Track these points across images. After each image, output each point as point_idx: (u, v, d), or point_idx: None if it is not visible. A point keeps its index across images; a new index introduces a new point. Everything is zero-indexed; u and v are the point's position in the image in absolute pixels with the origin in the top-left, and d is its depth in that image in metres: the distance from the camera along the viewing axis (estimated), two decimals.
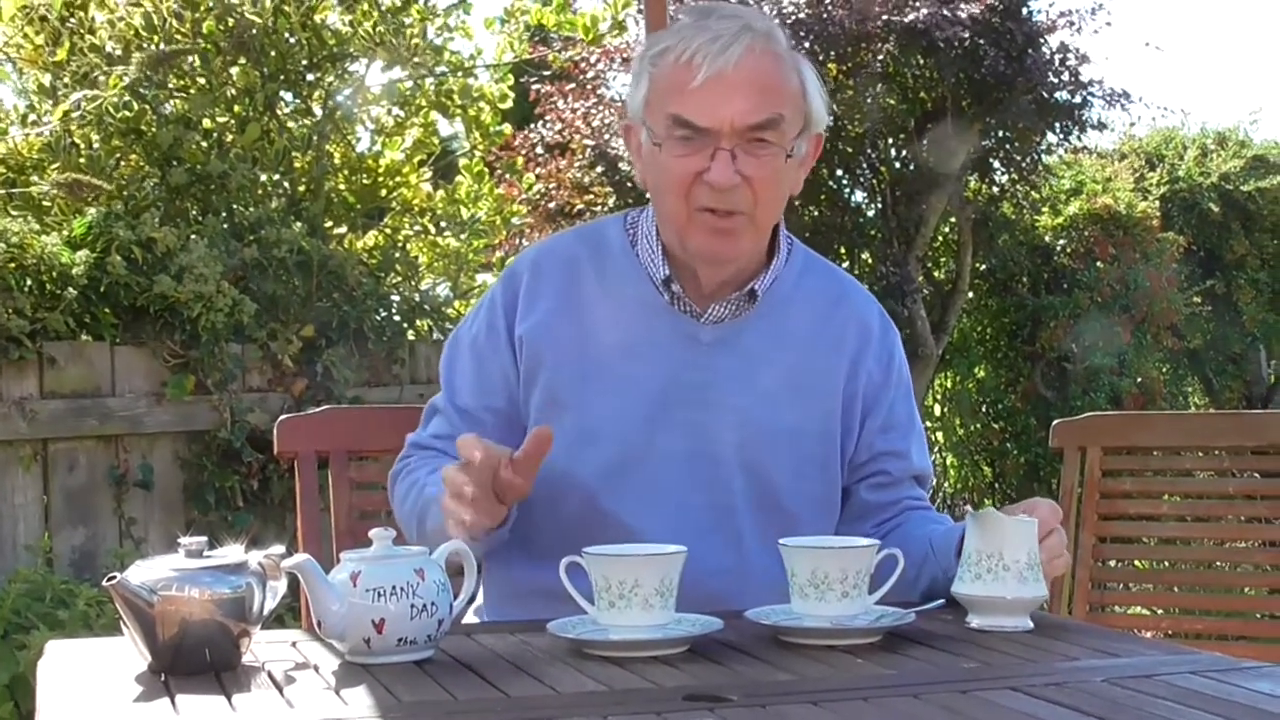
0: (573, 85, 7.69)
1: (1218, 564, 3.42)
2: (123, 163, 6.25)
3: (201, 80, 6.39)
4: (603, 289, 2.32)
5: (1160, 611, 3.30)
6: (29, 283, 5.27)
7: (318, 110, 6.75)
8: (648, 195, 2.33)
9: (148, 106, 6.17)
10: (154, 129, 6.07)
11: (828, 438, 2.32)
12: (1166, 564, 3.51)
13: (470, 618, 2.36)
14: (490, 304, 2.37)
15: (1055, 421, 3.13)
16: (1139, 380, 8.66)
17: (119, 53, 6.29)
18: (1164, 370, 9.48)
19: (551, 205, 7.50)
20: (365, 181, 6.95)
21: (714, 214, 2.19)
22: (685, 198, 2.19)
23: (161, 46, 6.18)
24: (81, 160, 6.12)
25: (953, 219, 8.27)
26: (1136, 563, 3.34)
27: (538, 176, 7.60)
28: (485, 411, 2.33)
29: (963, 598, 1.99)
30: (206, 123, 6.33)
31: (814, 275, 2.39)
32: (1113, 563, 3.18)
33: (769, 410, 2.27)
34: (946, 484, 8.99)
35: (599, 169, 7.46)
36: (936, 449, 9.19)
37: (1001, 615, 1.96)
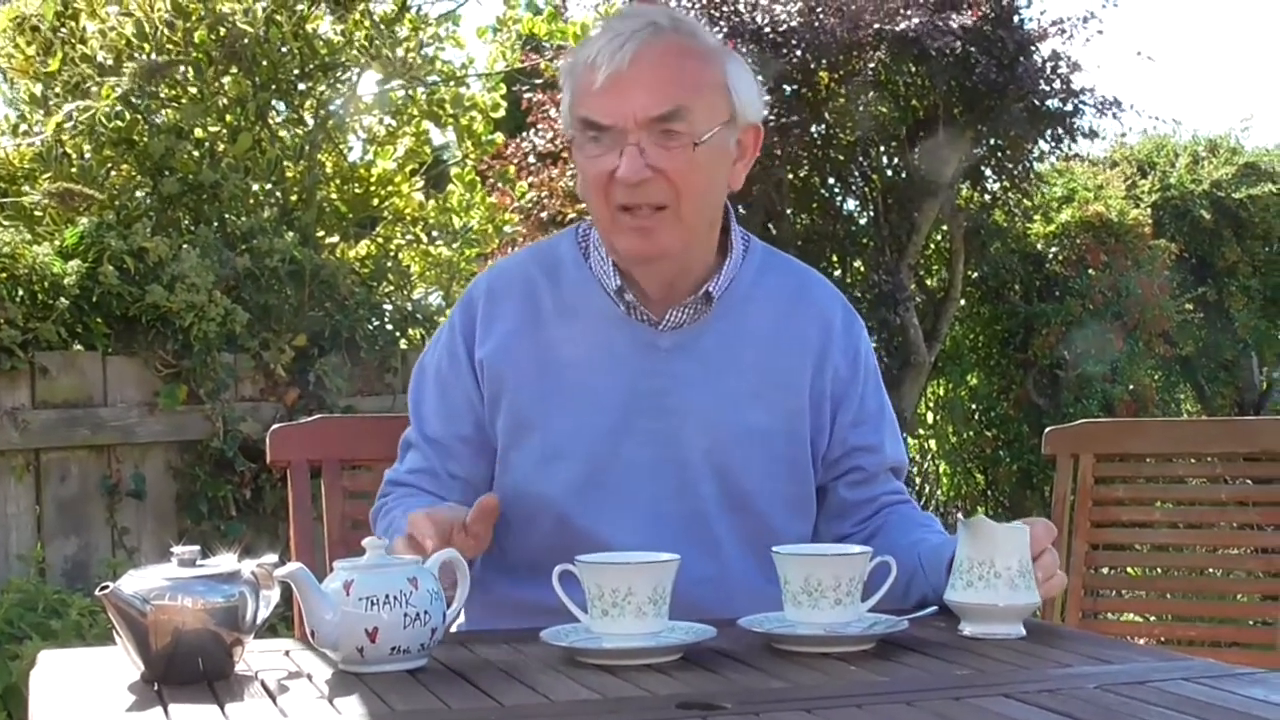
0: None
1: (1210, 571, 3.42)
2: (114, 172, 6.25)
3: (193, 90, 6.39)
4: (559, 305, 2.31)
5: (1153, 618, 3.31)
6: (20, 293, 5.27)
7: (309, 120, 6.75)
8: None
9: (139, 116, 6.16)
10: (146, 139, 6.07)
11: (796, 437, 2.30)
12: (1159, 571, 3.51)
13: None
14: (450, 331, 2.37)
15: (1048, 429, 3.13)
16: (1131, 387, 8.66)
17: (110, 62, 6.29)
18: (1156, 377, 9.48)
19: (544, 214, 7.50)
20: (357, 191, 6.96)
21: (632, 213, 2.18)
22: (605, 199, 2.19)
23: (153, 56, 6.18)
24: (73, 170, 6.12)
25: (945, 227, 8.28)
26: (1129, 569, 3.34)
27: (530, 185, 7.60)
28: (455, 440, 2.34)
29: (955, 605, 2.00)
30: (198, 132, 6.33)
31: (773, 273, 2.38)
32: (1105, 570, 3.18)
33: (734, 413, 2.26)
34: (939, 492, 9.00)
35: None
36: (929, 456, 9.20)
37: (994, 623, 1.97)
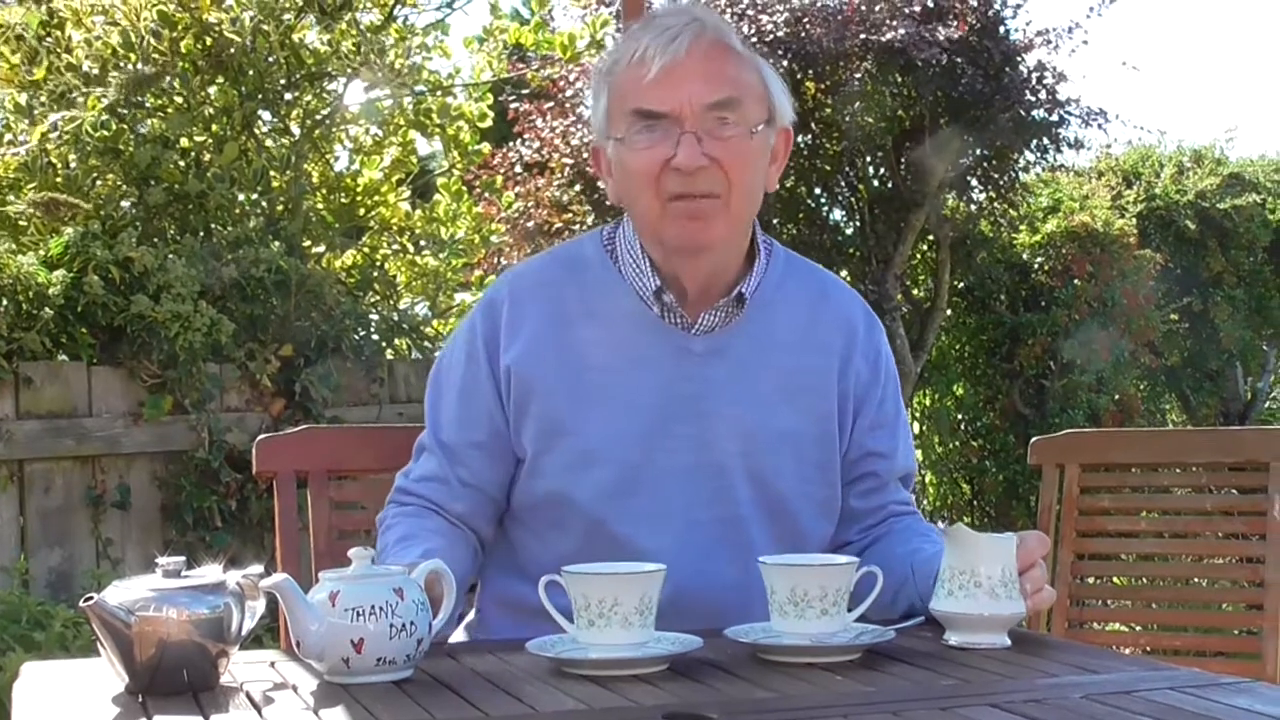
0: (551, 104, 7.69)
1: (1196, 580, 3.42)
2: (100, 182, 6.25)
3: (179, 99, 6.39)
4: (586, 309, 2.29)
5: (1139, 628, 3.31)
6: (5, 303, 5.26)
7: (296, 129, 6.74)
8: (623, 208, 2.33)
9: (125, 126, 6.16)
10: (132, 148, 6.06)
11: (826, 439, 2.31)
12: (1145, 581, 3.52)
13: (460, 635, 2.35)
14: (470, 336, 2.34)
15: (1034, 439, 3.13)
16: (1117, 397, 8.68)
17: (96, 72, 6.28)
18: (1142, 387, 9.51)
19: (530, 224, 7.50)
20: (344, 200, 6.96)
21: (685, 200, 2.19)
22: (656, 189, 2.19)
23: (139, 66, 6.18)
24: (59, 179, 6.11)
25: (931, 237, 8.30)
26: (1115, 579, 3.35)
27: (517, 195, 7.60)
28: (469, 446, 2.31)
29: (939, 614, 2.00)
30: (184, 142, 6.33)
31: (795, 276, 2.38)
32: (1091, 579, 3.18)
33: (767, 416, 2.26)
34: (925, 501, 9.01)
35: (578, 187, 7.47)
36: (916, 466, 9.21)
37: (977, 632, 1.97)
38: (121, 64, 6.24)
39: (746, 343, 2.29)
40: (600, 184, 7.12)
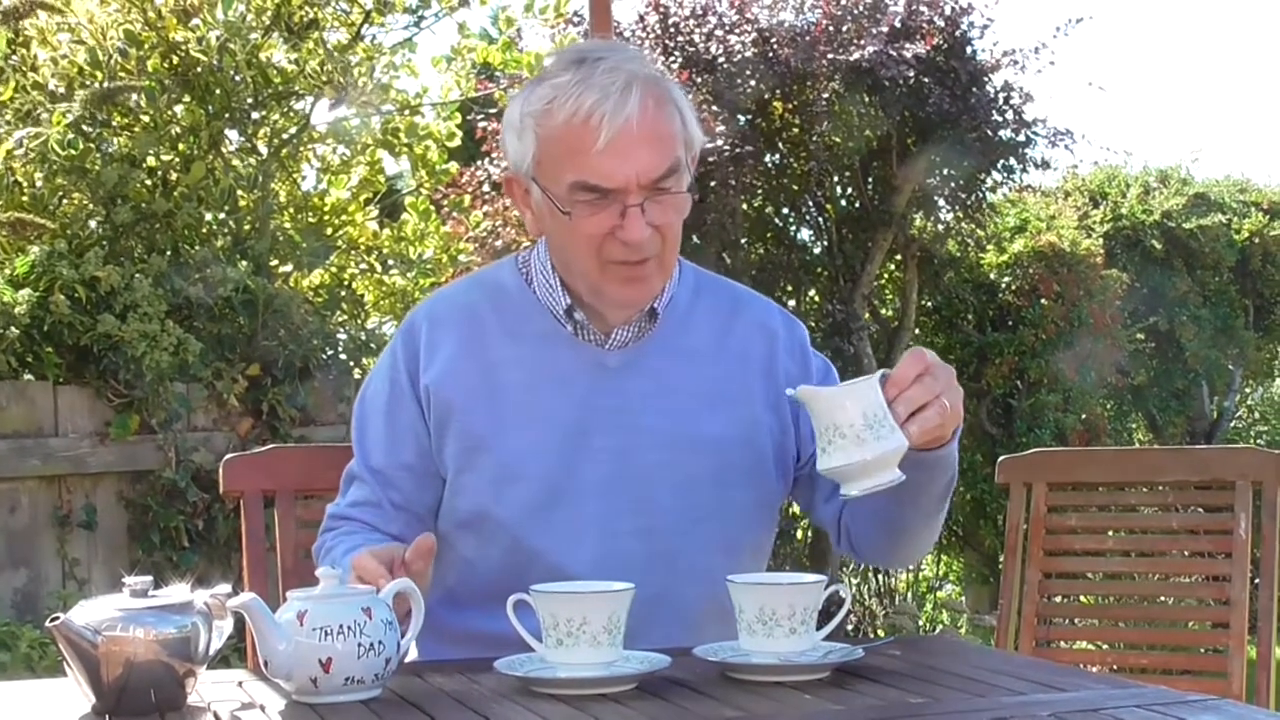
0: None
1: (1162, 599, 3.44)
2: (66, 201, 6.22)
3: (146, 118, 6.36)
4: (504, 328, 2.32)
5: (1106, 646, 3.33)
6: None
7: (263, 148, 6.73)
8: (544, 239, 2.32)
9: (92, 145, 6.13)
10: (98, 167, 6.03)
11: (754, 445, 2.32)
12: (1112, 599, 3.53)
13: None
14: (392, 361, 2.37)
15: (1001, 458, 3.15)
16: (1084, 416, 8.71)
17: (62, 90, 6.26)
18: (1108, 407, 9.54)
19: (499, 243, 7.50)
20: (311, 220, 6.94)
21: (627, 266, 2.19)
22: (597, 254, 2.19)
23: (106, 84, 6.16)
24: (24, 198, 6.08)
25: (898, 256, 8.32)
26: (1082, 598, 3.36)
27: (484, 214, 7.60)
28: (398, 468, 2.33)
29: (824, 475, 2.00)
30: (151, 161, 6.30)
31: (706, 291, 2.40)
32: (1058, 598, 3.19)
33: (688, 424, 2.28)
34: None
35: None
36: None
37: (860, 479, 1.96)
38: (88, 82, 6.21)
39: (662, 355, 2.31)
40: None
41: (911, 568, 9.37)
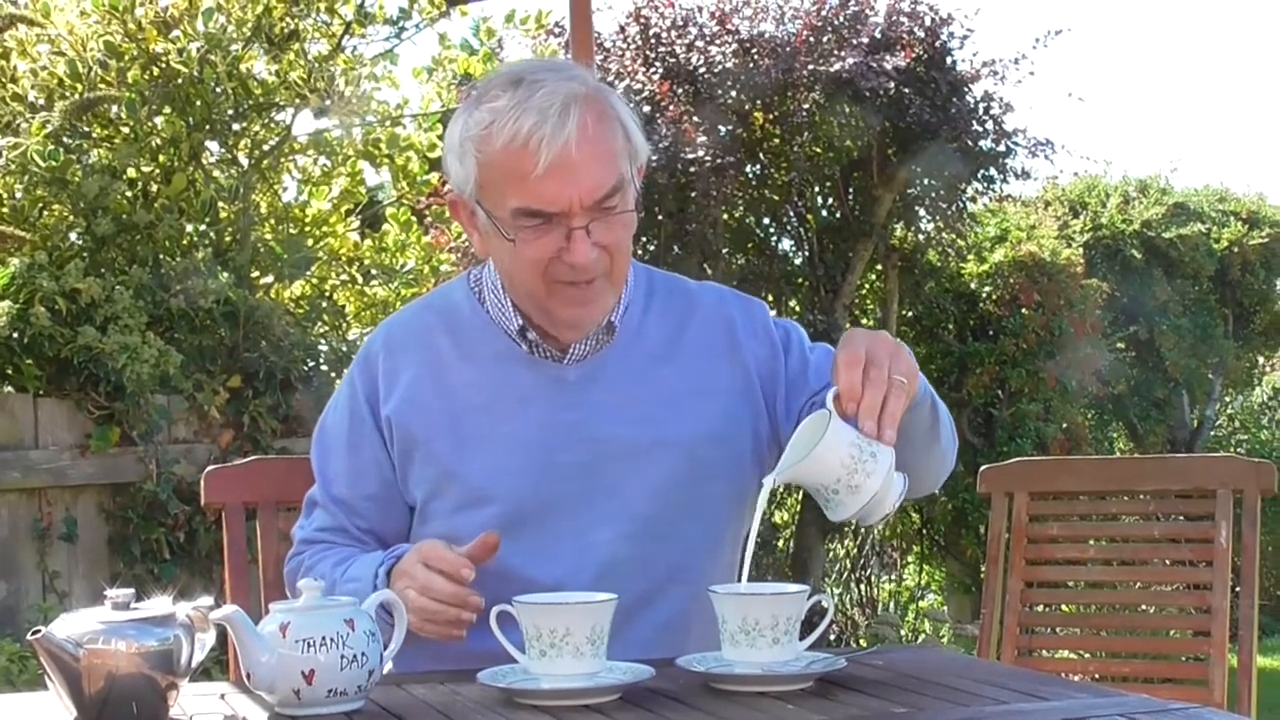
0: None
1: (1144, 608, 3.44)
2: (46, 213, 6.20)
3: (126, 130, 6.35)
4: (460, 352, 2.31)
5: (1087, 655, 3.32)
6: None
7: (244, 160, 6.72)
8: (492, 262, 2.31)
9: (72, 156, 6.12)
10: (79, 178, 6.02)
11: (727, 438, 2.31)
12: (1093, 608, 3.53)
13: None
14: (351, 392, 2.35)
15: (982, 467, 3.15)
16: (1064, 426, 8.73)
17: (42, 101, 6.25)
18: (1089, 416, 9.57)
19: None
20: (292, 231, 6.93)
21: (574, 287, 2.18)
22: (544, 276, 2.17)
23: (86, 95, 6.15)
24: (4, 210, 6.07)
25: (879, 266, 8.34)
26: (1064, 607, 3.36)
27: None
28: (362, 500, 2.33)
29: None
30: (131, 172, 6.29)
31: (661, 294, 2.38)
32: (1040, 607, 3.20)
33: (653, 429, 2.27)
34: (876, 532, 9.03)
35: None
36: None
37: (875, 512, 1.95)
38: (68, 94, 6.20)
39: (620, 364, 2.30)
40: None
41: (893, 578, 9.38)
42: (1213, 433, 11.28)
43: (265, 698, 1.81)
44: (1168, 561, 3.20)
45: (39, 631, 1.72)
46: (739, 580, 2.03)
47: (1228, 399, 11.97)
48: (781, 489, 2.05)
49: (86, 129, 6.35)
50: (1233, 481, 2.92)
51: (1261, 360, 12.48)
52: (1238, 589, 2.90)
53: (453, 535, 2.20)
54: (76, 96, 6.16)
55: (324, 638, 1.77)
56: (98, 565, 5.49)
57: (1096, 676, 3.17)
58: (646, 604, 2.22)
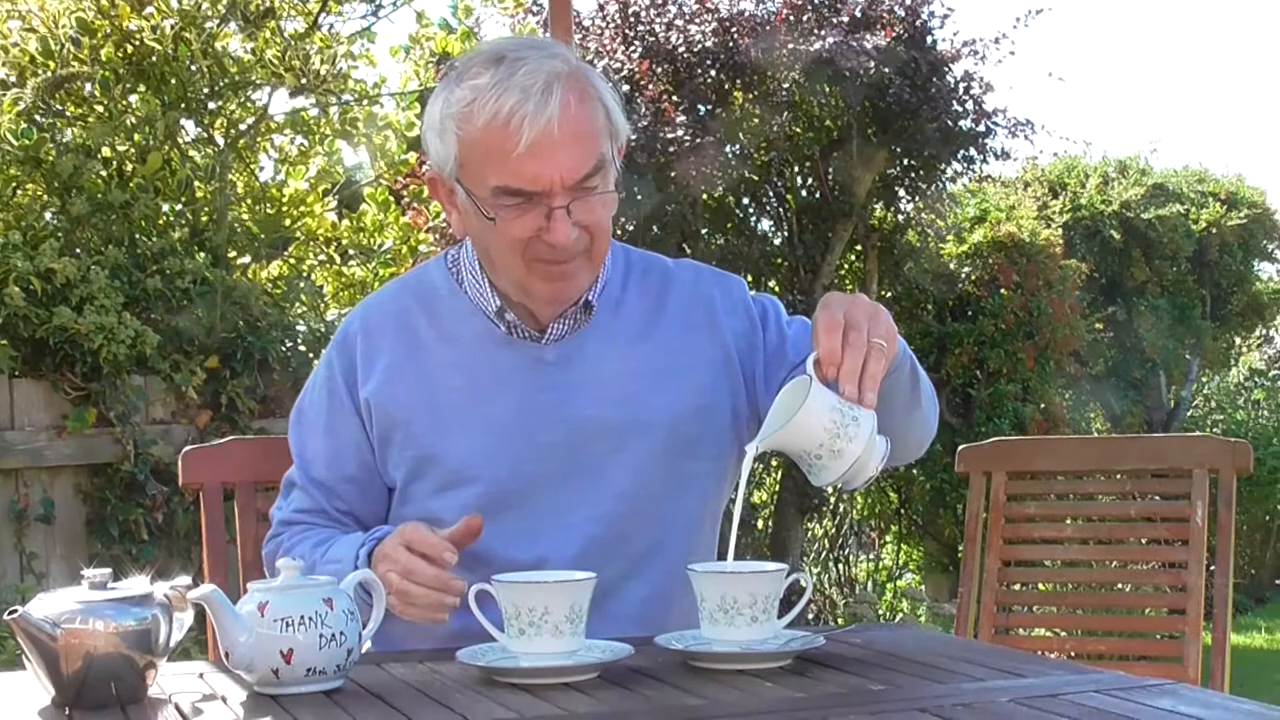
0: None
1: (1120, 586, 3.46)
2: (20, 192, 6.17)
3: (101, 108, 6.32)
4: (438, 333, 2.31)
5: (1064, 633, 3.35)
6: None
7: (220, 139, 6.69)
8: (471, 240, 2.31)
9: (46, 135, 6.09)
10: (53, 158, 5.99)
11: (707, 414, 2.31)
12: (1070, 587, 3.55)
13: None
14: (329, 374, 2.35)
15: (961, 447, 3.16)
16: (1042, 406, 8.75)
17: (14, 79, 6.22)
18: (1067, 396, 9.59)
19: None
20: (269, 211, 6.90)
21: (554, 265, 2.18)
22: (524, 254, 2.18)
23: (58, 72, 6.11)
24: None
25: (858, 247, 8.34)
26: (1041, 586, 3.37)
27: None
28: (341, 482, 2.34)
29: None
30: (106, 151, 6.26)
31: (638, 272, 2.39)
32: (1017, 586, 3.21)
33: (632, 407, 2.27)
34: (854, 511, 9.05)
35: None
36: None
37: (859, 475, 1.95)
38: (40, 71, 6.17)
39: (598, 343, 2.30)
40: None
41: (871, 558, 9.41)
42: (1189, 413, 11.33)
43: (244, 677, 1.81)
44: (1144, 541, 3.22)
45: (16, 612, 1.71)
46: (725, 557, 2.03)
47: (1204, 379, 12.03)
48: (760, 470, 2.04)
49: (60, 107, 6.31)
50: (1209, 461, 2.94)
51: (1238, 341, 12.55)
52: (1212, 568, 2.91)
53: (432, 516, 2.20)
54: (49, 74, 6.12)
55: (302, 617, 1.77)
56: (75, 546, 5.48)
57: (1072, 654, 3.18)
58: (627, 581, 2.22)
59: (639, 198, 6.63)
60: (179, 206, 6.41)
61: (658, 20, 7.17)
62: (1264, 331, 12.79)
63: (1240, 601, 9.78)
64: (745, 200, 8.02)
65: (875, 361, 1.93)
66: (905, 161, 7.81)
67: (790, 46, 7.01)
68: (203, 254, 5.99)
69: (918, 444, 2.34)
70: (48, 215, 6.07)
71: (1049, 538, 3.20)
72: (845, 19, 7.16)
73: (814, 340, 1.94)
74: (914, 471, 8.78)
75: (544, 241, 2.15)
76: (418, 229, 7.42)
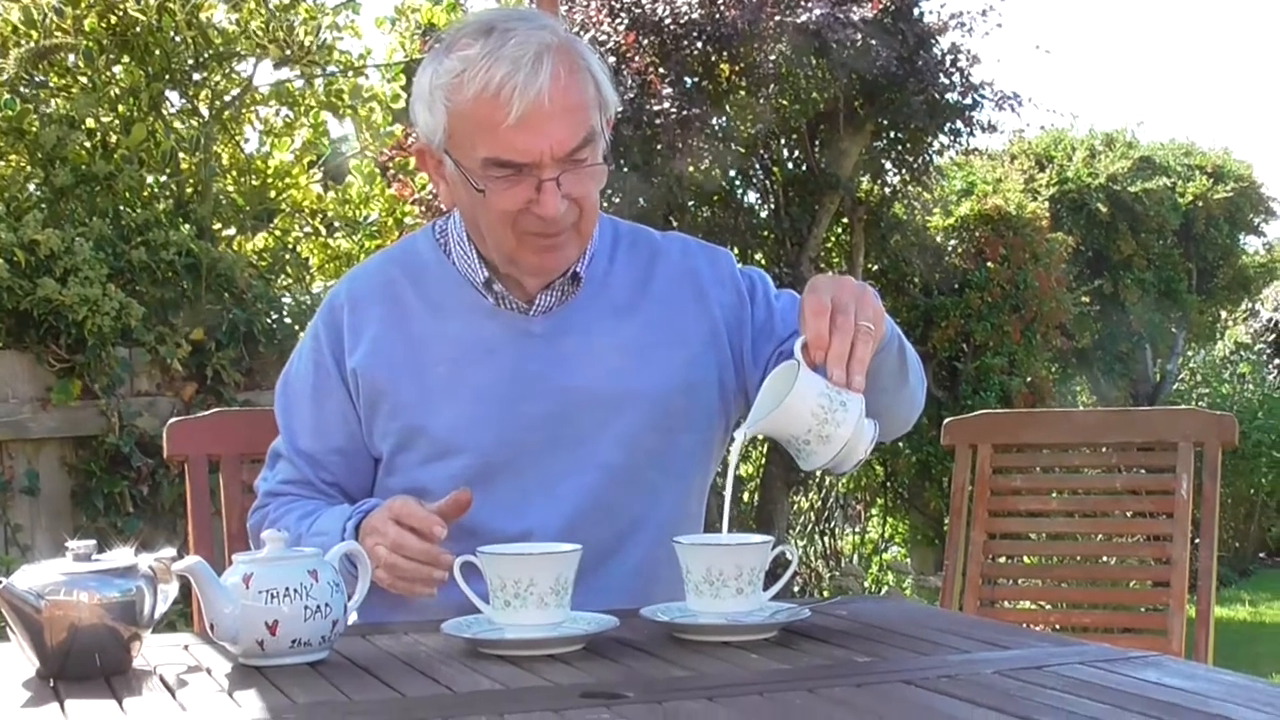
0: None
1: (1105, 559, 3.47)
2: (3, 163, 6.14)
3: (84, 79, 6.29)
4: (425, 304, 2.31)
5: (1049, 606, 3.35)
6: None
7: (205, 111, 6.66)
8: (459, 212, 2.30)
9: (29, 106, 6.06)
10: (36, 128, 5.96)
11: (694, 388, 2.31)
12: (1055, 559, 3.56)
13: None
14: (315, 345, 2.35)
15: (946, 420, 3.17)
16: (1029, 379, 8.78)
17: None
18: (1053, 369, 9.62)
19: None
20: (254, 183, 6.88)
21: (543, 237, 2.18)
22: (513, 226, 2.17)
23: (41, 43, 6.08)
24: None
25: (845, 220, 8.34)
26: (1026, 558, 3.39)
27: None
28: (327, 453, 2.33)
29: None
30: (90, 122, 6.23)
31: (626, 244, 2.38)
32: (1003, 559, 3.22)
33: (620, 380, 2.27)
34: (840, 485, 9.07)
35: None
36: None
37: (847, 460, 1.94)
38: (23, 41, 6.13)
39: (586, 315, 2.30)
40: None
41: (857, 531, 9.43)
42: (1175, 386, 11.36)
43: (229, 649, 1.81)
44: (1128, 514, 3.23)
45: (0, 583, 1.71)
46: (722, 529, 2.03)
47: (1190, 353, 12.06)
48: (747, 442, 2.04)
49: (43, 78, 6.28)
50: (1194, 434, 2.95)
51: (1224, 314, 12.58)
52: (1197, 541, 2.92)
53: (419, 487, 2.20)
54: (32, 44, 6.08)
55: (287, 589, 1.77)
56: (60, 518, 5.47)
57: (1057, 626, 3.19)
58: (614, 553, 2.23)
59: (625, 170, 6.62)
60: (163, 178, 6.38)
61: None
62: (1250, 305, 12.83)
63: (1224, 575, 9.83)
64: (732, 173, 8.01)
65: (863, 345, 1.92)
66: (892, 134, 7.81)
67: (777, 19, 7.00)
68: (187, 226, 5.97)
69: (905, 421, 2.34)
70: (31, 187, 6.04)
71: (1034, 510, 3.21)
72: None
73: (801, 324, 1.94)
74: (900, 445, 8.80)
75: (533, 214, 2.14)
76: (403, 201, 7.40)
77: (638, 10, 7.10)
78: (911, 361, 2.25)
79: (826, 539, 8.97)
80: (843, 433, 1.92)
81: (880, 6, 7.17)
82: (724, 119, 7.45)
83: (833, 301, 1.93)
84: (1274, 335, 12.68)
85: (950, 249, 8.83)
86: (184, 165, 6.43)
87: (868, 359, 1.92)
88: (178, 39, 6.33)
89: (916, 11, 7.52)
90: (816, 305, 1.92)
